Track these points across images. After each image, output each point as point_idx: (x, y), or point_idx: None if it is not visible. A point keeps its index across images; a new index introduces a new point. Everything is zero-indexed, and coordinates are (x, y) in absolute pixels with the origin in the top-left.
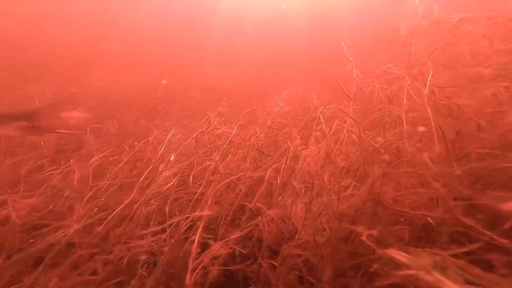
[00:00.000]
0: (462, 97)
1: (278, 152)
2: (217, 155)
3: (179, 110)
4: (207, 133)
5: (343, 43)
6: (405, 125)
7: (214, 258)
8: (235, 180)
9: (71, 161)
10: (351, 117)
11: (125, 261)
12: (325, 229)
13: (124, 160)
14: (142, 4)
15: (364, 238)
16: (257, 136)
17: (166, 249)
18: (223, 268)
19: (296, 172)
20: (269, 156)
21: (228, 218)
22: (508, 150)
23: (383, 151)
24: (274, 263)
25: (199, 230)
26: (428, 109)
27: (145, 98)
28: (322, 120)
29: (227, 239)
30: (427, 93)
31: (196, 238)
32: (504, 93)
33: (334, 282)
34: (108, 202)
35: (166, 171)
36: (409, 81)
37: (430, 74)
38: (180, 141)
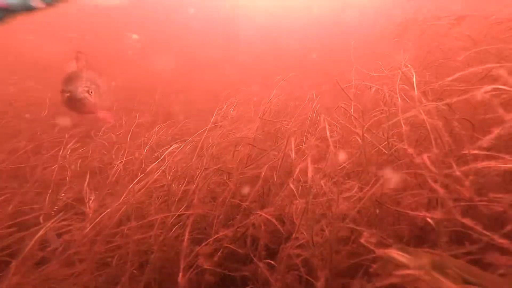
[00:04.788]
0: (453, 97)
1: (273, 148)
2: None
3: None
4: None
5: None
6: (403, 126)
7: (209, 257)
8: (227, 177)
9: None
10: (354, 117)
11: (114, 260)
12: (324, 230)
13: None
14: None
15: (364, 241)
16: (249, 130)
17: (156, 247)
18: (221, 268)
19: (293, 171)
20: (264, 150)
21: (220, 217)
22: (502, 151)
23: (386, 152)
24: (273, 263)
25: (188, 227)
26: (421, 111)
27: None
28: (321, 118)
29: (221, 238)
30: (417, 95)
31: (186, 235)
32: (495, 94)
33: (333, 282)
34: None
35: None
36: (397, 81)
37: (414, 76)
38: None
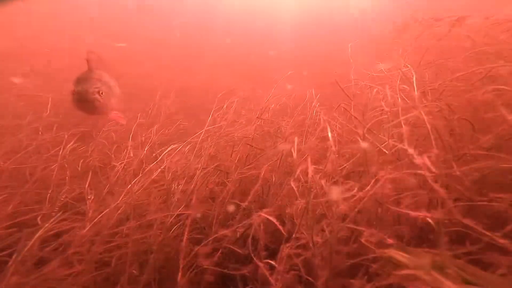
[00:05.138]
0: (453, 97)
1: (273, 147)
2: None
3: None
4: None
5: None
6: (403, 126)
7: (207, 257)
8: (225, 177)
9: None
10: (355, 117)
11: (114, 260)
12: (324, 230)
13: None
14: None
15: (364, 240)
16: (249, 129)
17: (155, 247)
18: (220, 267)
19: (292, 171)
20: (263, 150)
21: (220, 217)
22: (502, 151)
23: (387, 152)
24: (273, 262)
25: (188, 227)
26: (422, 112)
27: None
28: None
29: (221, 238)
30: (418, 95)
31: (185, 235)
32: (495, 94)
33: (333, 282)
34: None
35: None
36: (398, 82)
37: (414, 76)
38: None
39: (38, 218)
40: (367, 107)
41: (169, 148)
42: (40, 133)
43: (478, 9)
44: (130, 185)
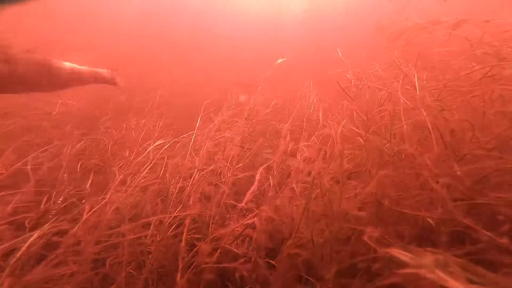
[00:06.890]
0: (452, 98)
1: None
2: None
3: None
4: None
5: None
6: (404, 126)
7: (206, 257)
8: (222, 178)
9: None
10: (360, 116)
11: (110, 260)
12: (324, 230)
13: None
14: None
15: (366, 239)
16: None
17: (153, 247)
18: (219, 267)
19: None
20: (249, 148)
21: (216, 217)
22: (503, 151)
23: (388, 152)
24: (273, 262)
25: (186, 228)
26: (423, 111)
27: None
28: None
29: (219, 238)
30: (419, 96)
31: (184, 236)
32: (491, 95)
33: (334, 282)
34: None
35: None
36: (400, 82)
37: (416, 76)
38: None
39: (26, 222)
40: (370, 108)
41: (166, 148)
42: (47, 131)
43: (480, 12)
44: (126, 185)
